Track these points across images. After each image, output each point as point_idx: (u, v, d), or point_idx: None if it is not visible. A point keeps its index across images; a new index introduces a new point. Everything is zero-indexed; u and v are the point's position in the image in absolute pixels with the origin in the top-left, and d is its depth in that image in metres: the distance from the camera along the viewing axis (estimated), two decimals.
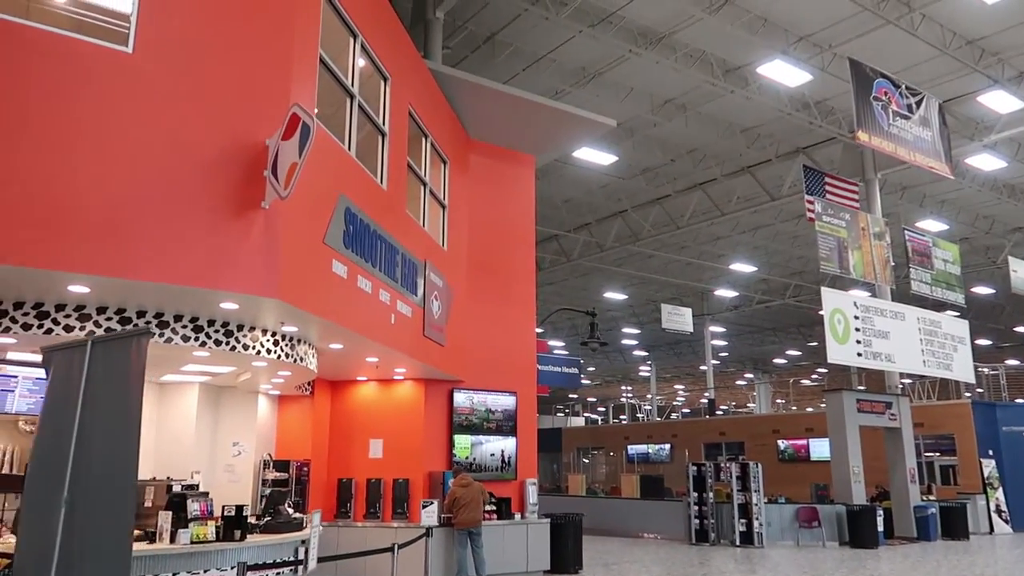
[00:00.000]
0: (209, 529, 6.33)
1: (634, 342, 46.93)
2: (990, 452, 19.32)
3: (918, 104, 12.50)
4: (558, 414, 69.77)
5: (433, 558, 10.00)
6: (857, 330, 14.57)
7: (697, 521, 15.68)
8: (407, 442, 10.72)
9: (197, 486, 9.08)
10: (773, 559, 13.64)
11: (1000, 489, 18.98)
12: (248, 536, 6.68)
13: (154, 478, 8.43)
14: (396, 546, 6.97)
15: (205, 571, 6.29)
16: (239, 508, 6.60)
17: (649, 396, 53.68)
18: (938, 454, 20.83)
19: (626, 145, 19.61)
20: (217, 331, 6.66)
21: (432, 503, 9.79)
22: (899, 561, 13.35)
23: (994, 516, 18.57)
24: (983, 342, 41.39)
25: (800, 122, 17.94)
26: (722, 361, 56.44)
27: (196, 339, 6.48)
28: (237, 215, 5.76)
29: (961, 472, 19.41)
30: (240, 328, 6.85)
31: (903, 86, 12.27)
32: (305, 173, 6.48)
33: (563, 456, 31.71)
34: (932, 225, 22.29)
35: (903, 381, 40.58)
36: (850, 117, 18.83)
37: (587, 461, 32.61)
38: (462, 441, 10.95)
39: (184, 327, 6.42)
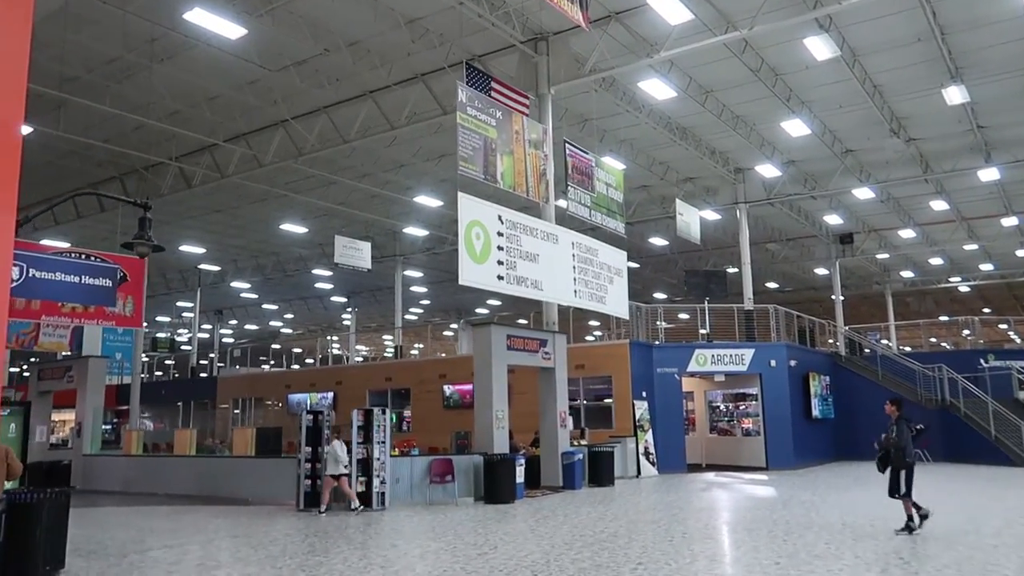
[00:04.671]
0: None
1: (330, 286, 43.33)
2: (644, 394, 18.77)
3: None
4: (264, 366, 64.06)
5: None
6: (500, 248, 12.26)
7: (308, 482, 12.62)
8: None
9: None
10: (386, 526, 11.05)
11: (650, 431, 18.52)
12: None
13: None
14: None
15: None
16: None
17: (357, 347, 50.66)
18: (598, 399, 20.09)
19: (263, 20, 15.64)
20: None
21: None
22: (526, 519, 11.45)
23: (642, 459, 18.04)
24: (659, 295, 44.06)
25: (470, 17, 15.43)
26: (426, 310, 54.96)
27: None
28: None
29: (616, 414, 18.67)
30: None
31: None
32: None
33: (218, 408, 27.33)
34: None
35: (595, 332, 40.94)
36: (524, 20, 16.81)
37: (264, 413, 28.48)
38: None
39: None
